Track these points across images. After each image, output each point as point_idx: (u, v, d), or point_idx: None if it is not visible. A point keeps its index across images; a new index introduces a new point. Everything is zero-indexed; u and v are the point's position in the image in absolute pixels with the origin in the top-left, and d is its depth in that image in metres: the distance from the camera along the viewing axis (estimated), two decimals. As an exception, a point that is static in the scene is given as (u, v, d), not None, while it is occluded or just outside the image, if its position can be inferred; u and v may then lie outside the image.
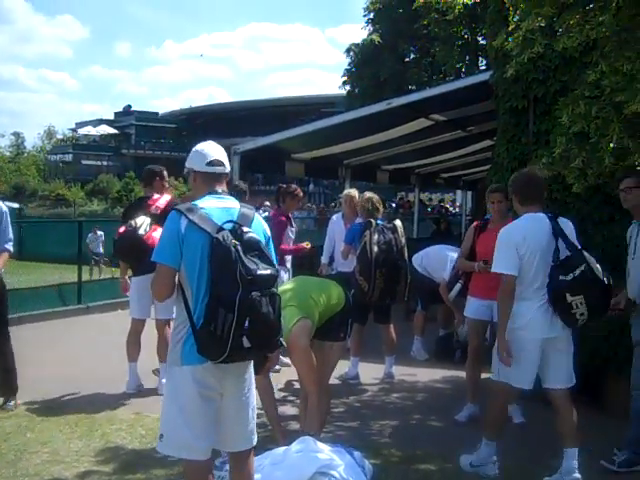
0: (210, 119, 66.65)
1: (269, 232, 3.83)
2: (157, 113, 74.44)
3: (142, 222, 7.01)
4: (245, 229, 3.52)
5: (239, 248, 3.39)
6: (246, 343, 3.34)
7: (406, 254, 7.72)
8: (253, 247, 3.46)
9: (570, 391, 5.11)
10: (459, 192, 34.02)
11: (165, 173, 7.48)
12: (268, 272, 3.43)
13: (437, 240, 18.15)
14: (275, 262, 3.66)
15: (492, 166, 9.78)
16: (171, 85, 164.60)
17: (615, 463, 5.25)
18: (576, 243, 5.05)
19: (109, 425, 6.07)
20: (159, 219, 6.99)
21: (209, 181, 3.77)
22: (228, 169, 3.86)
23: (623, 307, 5.55)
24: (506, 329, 4.94)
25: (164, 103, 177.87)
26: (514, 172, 8.70)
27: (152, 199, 7.25)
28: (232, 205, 3.70)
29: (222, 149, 3.90)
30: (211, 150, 3.84)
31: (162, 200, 7.20)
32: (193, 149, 3.89)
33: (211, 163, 3.78)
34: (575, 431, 5.02)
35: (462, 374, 6.91)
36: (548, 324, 4.92)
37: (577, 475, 4.90)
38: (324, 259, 9.04)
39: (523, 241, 4.94)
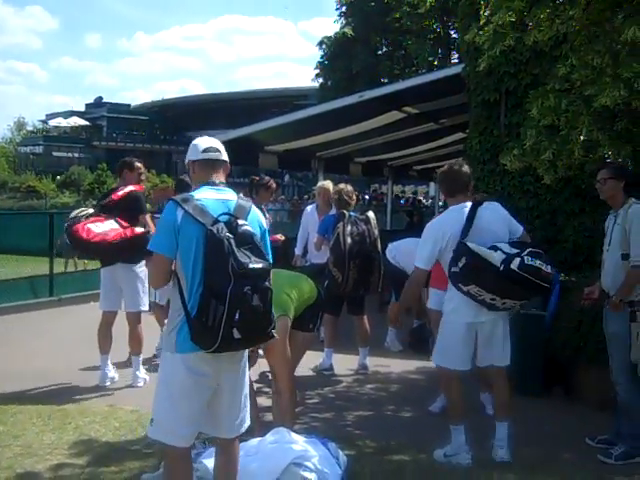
0: (182, 111, 66.19)
1: (266, 224, 3.87)
2: (129, 105, 73.80)
3: (76, 213, 6.94)
4: (240, 222, 3.57)
5: (232, 241, 3.44)
6: (236, 334, 3.40)
7: (379, 245, 7.75)
8: (247, 240, 3.51)
9: (504, 369, 5.29)
10: (432, 184, 34.11)
11: (137, 165, 7.29)
12: (260, 266, 3.47)
13: (410, 232, 18.30)
14: (269, 255, 3.71)
15: (464, 158, 9.83)
16: (143, 77, 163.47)
17: (612, 456, 5.33)
18: (508, 221, 5.23)
19: (82, 418, 6.03)
20: (112, 209, 6.95)
21: (205, 169, 3.83)
22: (225, 157, 3.91)
23: (597, 297, 5.62)
24: (406, 303, 5.68)
25: (136, 95, 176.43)
26: (486, 164, 8.84)
27: (116, 190, 7.20)
28: (229, 197, 3.74)
29: (217, 141, 3.98)
30: (205, 140, 3.94)
31: (121, 191, 7.11)
32: (191, 143, 3.97)
33: (206, 150, 3.86)
34: (507, 404, 5.27)
35: (435, 365, 6.94)
36: (474, 310, 5.08)
37: (504, 440, 5.17)
38: (298, 250, 9.05)
39: (442, 236, 5.12)
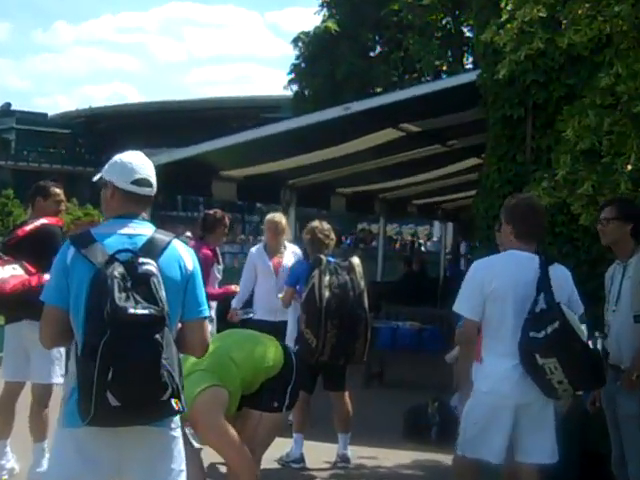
0: (115, 124, 66.37)
1: (192, 266, 3.85)
2: (46, 115, 73.93)
3: None
4: (143, 260, 3.60)
5: (117, 281, 3.46)
6: (113, 401, 3.38)
7: (366, 301, 7.74)
8: (143, 282, 3.53)
9: (542, 468, 5.34)
10: (437, 224, 34.32)
11: (54, 190, 7.18)
12: (145, 312, 3.46)
13: (409, 284, 18.38)
14: (202, 306, 3.85)
15: (479, 191, 9.89)
16: (64, 79, 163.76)
17: None
18: (570, 296, 5.33)
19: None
20: (17, 249, 6.83)
21: (129, 203, 3.90)
22: (155, 191, 3.99)
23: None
24: (469, 380, 5.33)
25: (54, 102, 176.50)
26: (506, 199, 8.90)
27: (24, 224, 7.11)
28: (140, 231, 3.79)
29: (150, 164, 4.02)
30: (140, 166, 3.95)
31: (31, 225, 7.00)
32: (117, 157, 3.98)
33: (138, 182, 3.90)
34: None
35: (440, 458, 6.91)
36: (521, 387, 5.13)
37: None
38: (235, 303, 9.06)
39: (491, 280, 5.22)
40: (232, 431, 5.10)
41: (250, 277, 9.08)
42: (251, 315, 8.86)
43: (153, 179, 3.97)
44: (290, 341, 8.03)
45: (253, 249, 9.52)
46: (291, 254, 9.17)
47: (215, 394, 5.02)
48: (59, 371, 7.09)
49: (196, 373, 5.01)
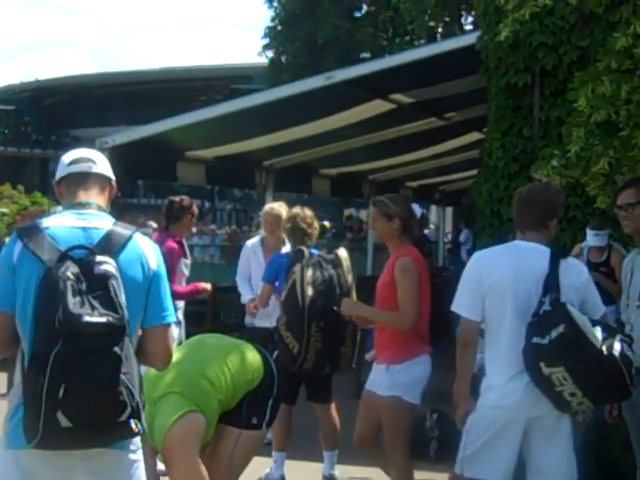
0: (66, 99, 66.08)
1: (156, 265, 3.84)
2: (-15, 89, 73.72)
3: None
4: (100, 258, 3.57)
5: (71, 284, 3.44)
6: (64, 421, 3.36)
7: (355, 298, 7.72)
8: (100, 285, 3.51)
9: None
10: (434, 208, 34.33)
11: None
12: (101, 320, 3.43)
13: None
14: (167, 311, 3.84)
15: (481, 171, 9.90)
16: (3, 47, 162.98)
17: None
18: (585, 295, 5.25)
19: None
20: None
21: (72, 187, 3.92)
22: (101, 170, 4.00)
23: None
24: (466, 394, 5.28)
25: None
26: (513, 179, 8.88)
27: None
28: (97, 224, 3.75)
29: (96, 152, 4.12)
30: (75, 152, 4.02)
31: None
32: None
33: (74, 161, 3.94)
34: None
35: (439, 478, 6.90)
36: (530, 398, 5.07)
37: None
38: (244, 298, 8.99)
39: (489, 273, 5.17)
40: (203, 471, 5.07)
41: (244, 276, 9.09)
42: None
43: (95, 157, 3.99)
44: None
45: (249, 242, 9.47)
46: None
47: (191, 422, 4.98)
48: None
49: (168, 397, 4.98)
